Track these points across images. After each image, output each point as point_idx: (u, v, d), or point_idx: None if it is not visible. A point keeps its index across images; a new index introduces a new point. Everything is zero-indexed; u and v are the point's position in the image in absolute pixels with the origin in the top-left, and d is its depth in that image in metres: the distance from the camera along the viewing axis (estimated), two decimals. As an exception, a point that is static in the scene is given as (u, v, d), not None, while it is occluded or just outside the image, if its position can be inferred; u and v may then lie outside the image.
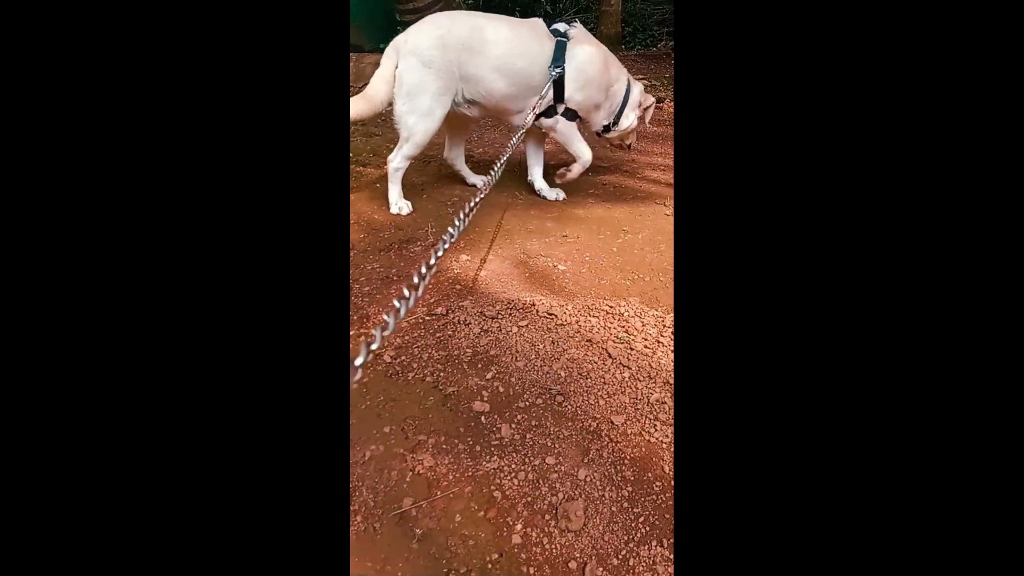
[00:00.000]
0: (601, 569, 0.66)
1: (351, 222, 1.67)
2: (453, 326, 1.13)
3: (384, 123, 2.68)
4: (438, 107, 1.58)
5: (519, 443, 0.84)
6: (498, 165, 1.18)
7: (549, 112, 1.67)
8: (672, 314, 1.16)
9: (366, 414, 0.89)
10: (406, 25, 3.97)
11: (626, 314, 1.17)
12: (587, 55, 1.63)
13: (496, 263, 1.41)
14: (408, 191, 1.77)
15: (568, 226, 1.63)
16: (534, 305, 1.20)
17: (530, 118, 1.58)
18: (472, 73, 1.58)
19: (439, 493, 0.75)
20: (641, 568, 0.66)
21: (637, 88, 1.82)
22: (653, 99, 1.87)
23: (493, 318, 1.16)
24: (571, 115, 1.71)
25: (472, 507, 0.73)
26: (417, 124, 1.59)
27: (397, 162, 1.66)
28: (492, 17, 1.66)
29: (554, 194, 1.83)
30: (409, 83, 1.56)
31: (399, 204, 1.70)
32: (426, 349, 1.05)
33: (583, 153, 1.78)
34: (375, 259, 1.43)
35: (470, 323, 1.14)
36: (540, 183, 1.84)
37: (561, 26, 1.66)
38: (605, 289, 1.28)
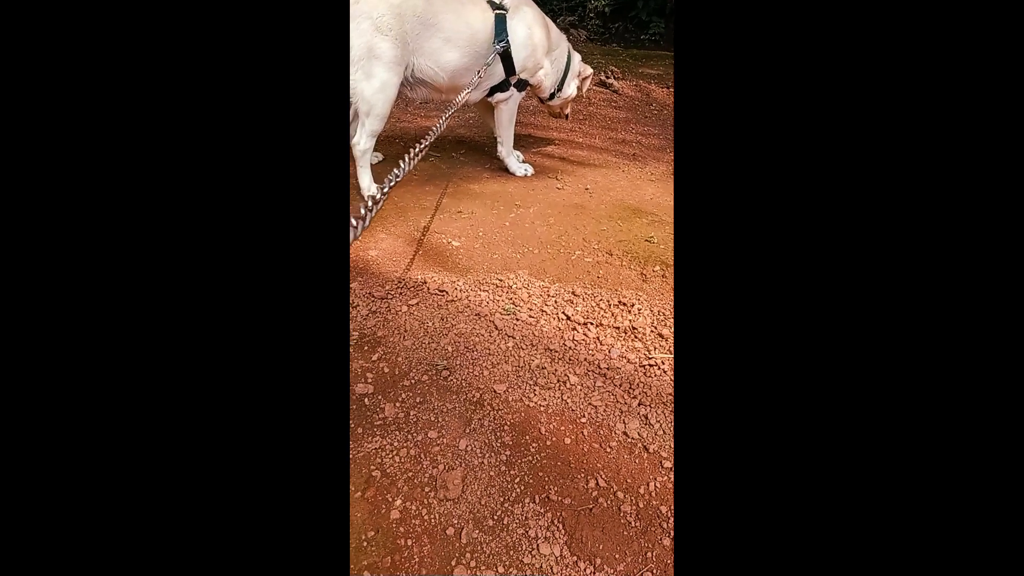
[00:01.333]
0: (477, 531, 0.69)
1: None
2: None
3: None
4: (395, 76, 1.46)
5: (402, 421, 0.84)
6: (425, 141, 1.12)
7: (503, 86, 1.68)
8: (556, 284, 1.22)
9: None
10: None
11: (514, 286, 1.20)
12: (528, 21, 1.65)
13: (388, 242, 1.38)
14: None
15: (463, 201, 1.62)
16: (425, 283, 1.20)
17: (475, 93, 1.62)
18: (424, 46, 1.51)
19: (317, 479, 0.74)
20: (515, 525, 0.70)
21: (577, 57, 1.89)
22: (591, 69, 1.96)
23: (382, 299, 1.14)
24: (522, 85, 1.73)
25: (349, 490, 0.73)
26: (376, 95, 1.45)
27: (364, 143, 1.50)
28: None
29: (522, 169, 1.86)
30: (363, 49, 1.41)
31: (371, 188, 1.55)
32: (308, 335, 1.02)
33: (507, 137, 1.81)
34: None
35: (357, 305, 1.11)
36: (510, 159, 1.85)
37: None
38: (496, 263, 1.31)
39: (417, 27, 1.47)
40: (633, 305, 1.15)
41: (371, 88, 1.44)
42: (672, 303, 1.17)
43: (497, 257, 1.33)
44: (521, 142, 2.22)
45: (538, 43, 1.69)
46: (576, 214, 1.59)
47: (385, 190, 0.80)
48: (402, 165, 0.87)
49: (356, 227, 0.66)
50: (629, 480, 0.77)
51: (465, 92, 1.44)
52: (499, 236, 1.43)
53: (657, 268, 1.31)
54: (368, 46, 1.41)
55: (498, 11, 1.60)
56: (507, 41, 1.58)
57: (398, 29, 1.44)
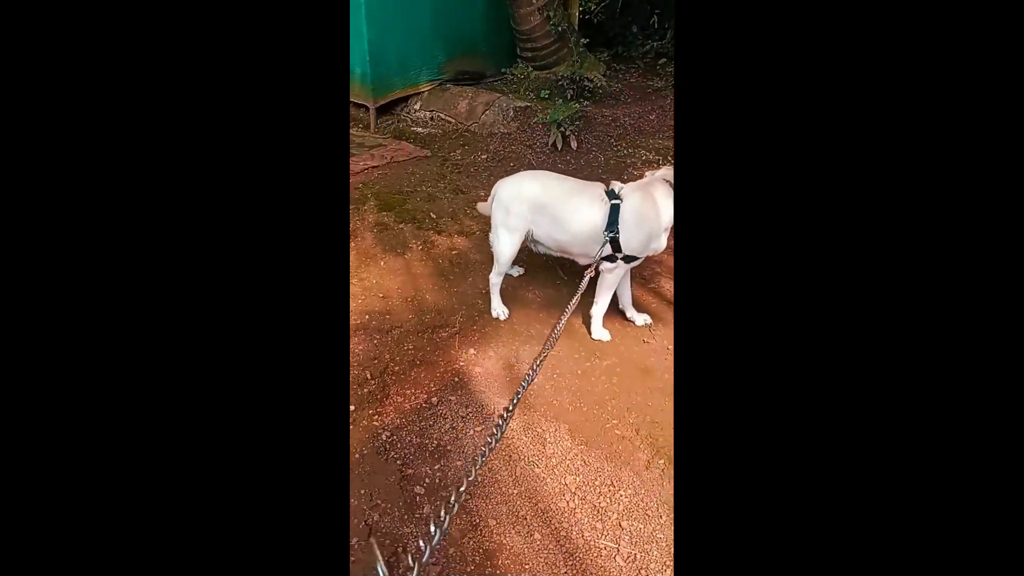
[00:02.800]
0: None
1: (410, 296, 2.34)
2: (435, 417, 1.75)
3: (447, 187, 3.27)
4: (514, 238, 2.12)
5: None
6: (560, 322, 1.65)
7: (611, 258, 2.03)
8: (574, 445, 1.66)
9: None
10: (524, 58, 4.76)
11: (547, 439, 1.69)
12: (634, 212, 1.96)
13: (491, 362, 1.98)
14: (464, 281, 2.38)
15: (562, 338, 2.12)
16: (494, 409, 1.77)
17: (588, 274, 1.92)
18: (539, 222, 2.08)
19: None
20: None
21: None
22: None
23: (463, 418, 1.76)
24: (630, 259, 2.05)
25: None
26: (500, 249, 2.14)
27: (493, 278, 2.22)
28: (562, 182, 2.09)
29: (600, 334, 2.15)
30: (495, 219, 2.13)
31: (498, 311, 2.23)
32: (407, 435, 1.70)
33: (602, 302, 2.12)
34: (410, 341, 2.08)
35: (448, 416, 1.75)
36: (630, 312, 2.24)
37: (616, 185, 2.02)
38: (544, 407, 1.80)
39: (533, 208, 2.05)
40: (619, 491, 1.53)
41: (499, 245, 2.14)
42: (660, 502, 1.51)
43: (553, 402, 1.82)
44: (645, 270, 2.55)
45: (638, 230, 1.97)
46: (639, 378, 1.95)
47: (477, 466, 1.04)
48: (490, 441, 1.17)
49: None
50: None
51: (578, 292, 1.80)
52: (564, 382, 1.91)
53: (661, 462, 1.63)
54: (498, 219, 2.11)
55: (614, 201, 1.95)
56: (617, 230, 1.95)
57: (516, 208, 2.07)
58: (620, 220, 1.95)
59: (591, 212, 1.98)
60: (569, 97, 4.25)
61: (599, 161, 3.76)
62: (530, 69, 4.74)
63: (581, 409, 1.81)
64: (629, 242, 1.97)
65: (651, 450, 1.66)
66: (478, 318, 2.22)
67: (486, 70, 4.90)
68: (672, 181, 2.01)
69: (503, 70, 4.85)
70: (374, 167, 3.58)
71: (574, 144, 3.85)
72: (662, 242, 2.04)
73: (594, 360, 2.02)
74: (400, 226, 2.88)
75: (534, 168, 3.56)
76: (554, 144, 3.82)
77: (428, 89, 4.52)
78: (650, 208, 1.98)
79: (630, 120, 4.17)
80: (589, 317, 2.16)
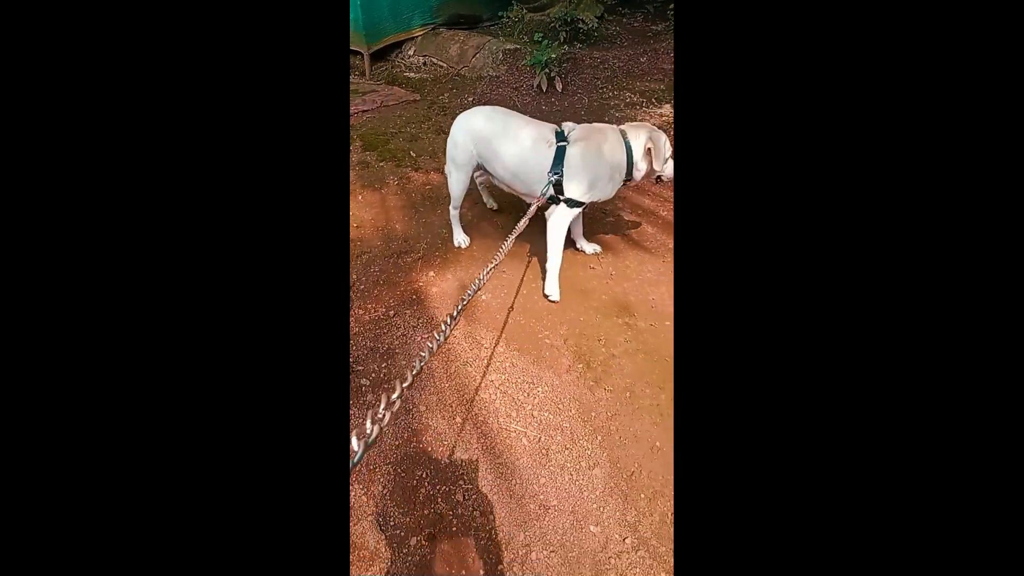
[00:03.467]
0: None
1: (382, 225, 2.53)
2: (389, 327, 1.97)
3: (430, 128, 3.37)
4: (462, 174, 2.22)
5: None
6: (506, 244, 1.45)
7: (555, 200, 2.02)
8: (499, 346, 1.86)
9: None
10: (519, 0, 4.08)
11: (483, 344, 1.89)
12: (578, 156, 1.96)
13: (447, 283, 2.18)
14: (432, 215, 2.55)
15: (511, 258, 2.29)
16: (443, 320, 1.98)
17: (531, 211, 1.77)
18: (484, 157, 2.15)
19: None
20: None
21: (638, 140, 2.00)
22: (645, 137, 1.98)
23: (414, 327, 1.97)
24: (573, 203, 2.02)
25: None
26: (450, 182, 2.26)
27: (451, 210, 2.35)
28: (512, 123, 2.08)
29: (591, 248, 2.31)
30: (447, 153, 2.23)
31: (459, 239, 2.38)
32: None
33: (553, 256, 2.07)
34: (377, 264, 2.29)
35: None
36: (580, 242, 2.33)
37: (568, 126, 2.03)
38: (487, 320, 2.00)
39: (480, 145, 2.12)
40: (536, 388, 1.74)
41: (449, 179, 2.26)
42: (562, 405, 1.71)
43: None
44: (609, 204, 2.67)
45: (583, 173, 1.96)
46: (578, 298, 2.11)
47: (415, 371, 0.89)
48: (432, 346, 1.04)
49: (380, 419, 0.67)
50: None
51: (524, 220, 1.62)
52: (509, 301, 2.09)
53: (580, 366, 1.82)
54: (449, 153, 2.21)
55: (560, 143, 1.97)
56: (561, 173, 1.95)
57: (463, 143, 2.14)
58: (564, 163, 1.95)
59: (535, 151, 2.00)
60: (562, 40, 4.22)
61: (583, 103, 3.79)
62: (525, 11, 4.69)
63: (519, 322, 2.00)
64: (570, 186, 1.98)
65: (574, 357, 1.85)
66: (441, 245, 2.40)
67: (482, 13, 4.86)
68: (626, 132, 2.01)
69: (499, 14, 4.81)
70: (364, 111, 3.71)
71: (559, 86, 3.88)
72: (607, 191, 2.04)
73: (539, 282, 2.19)
74: (381, 164, 3.05)
75: (517, 109, 3.64)
76: (539, 86, 3.86)
77: (421, 34, 4.55)
78: (594, 154, 1.97)
79: (620, 63, 4.13)
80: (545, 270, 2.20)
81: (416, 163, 3.06)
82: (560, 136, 2.01)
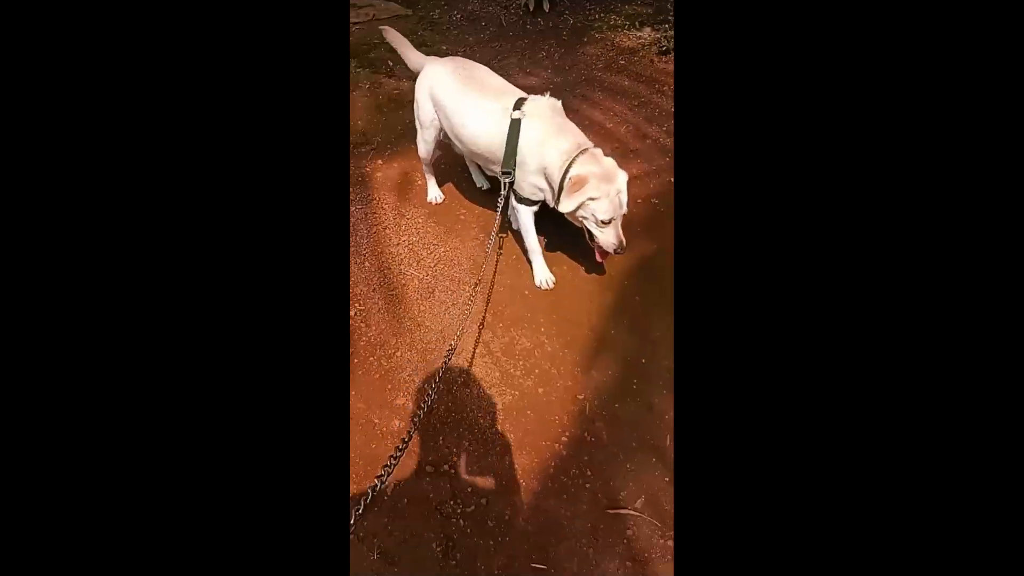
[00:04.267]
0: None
1: (351, 123, 2.82)
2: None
3: (414, 41, 3.52)
4: (425, 133, 1.98)
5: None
6: (491, 242, 1.59)
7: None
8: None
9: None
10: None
11: (406, 216, 2.21)
12: (527, 138, 1.62)
13: (393, 171, 2.48)
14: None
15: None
16: (384, 200, 2.30)
17: (501, 202, 1.66)
18: (442, 120, 1.87)
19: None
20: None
21: (579, 162, 1.56)
22: (584, 176, 1.52)
23: (361, 208, 2.30)
24: (521, 198, 1.72)
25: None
26: (418, 141, 2.03)
27: (424, 168, 2.18)
28: (469, 83, 1.76)
29: (543, 281, 1.83)
30: (415, 110, 1.96)
31: (432, 194, 2.22)
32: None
33: (528, 250, 1.81)
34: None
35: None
36: (535, 259, 1.85)
37: (534, 98, 1.69)
38: (422, 206, 2.30)
39: (438, 106, 1.86)
40: (440, 248, 2.05)
41: (417, 138, 2.03)
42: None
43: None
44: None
45: (524, 159, 1.64)
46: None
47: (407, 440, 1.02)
48: (423, 407, 1.27)
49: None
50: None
51: (497, 217, 1.64)
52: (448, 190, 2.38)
53: (482, 236, 2.11)
54: (416, 112, 1.97)
55: (516, 114, 1.63)
56: (514, 165, 1.65)
57: (425, 105, 1.91)
58: (520, 142, 1.63)
59: (487, 122, 1.69)
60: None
61: (567, 23, 3.86)
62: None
63: (444, 204, 2.30)
64: (518, 173, 1.66)
65: (481, 231, 2.15)
66: (394, 142, 2.68)
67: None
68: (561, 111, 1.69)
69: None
70: (355, 23, 3.93)
71: (546, 6, 3.95)
72: (546, 192, 1.67)
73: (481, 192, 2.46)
74: (358, 70, 3.30)
75: (503, 28, 3.77)
76: (526, 5, 3.94)
77: (423, -51, 4.61)
78: (538, 127, 1.62)
79: (611, -17, 4.13)
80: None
81: (391, 71, 3.30)
82: (518, 106, 1.65)
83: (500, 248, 1.99)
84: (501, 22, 3.93)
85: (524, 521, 1.32)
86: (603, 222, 1.57)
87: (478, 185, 2.28)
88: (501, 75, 1.88)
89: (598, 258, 1.73)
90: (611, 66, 3.29)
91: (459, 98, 1.76)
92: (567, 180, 1.55)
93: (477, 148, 1.77)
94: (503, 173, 1.68)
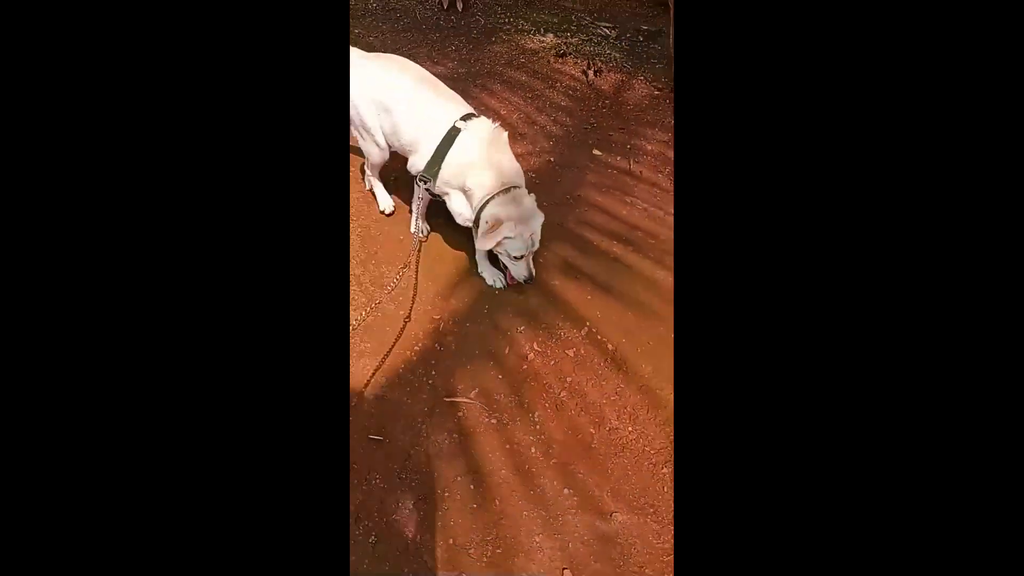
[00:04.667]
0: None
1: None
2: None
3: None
4: (378, 138, 1.84)
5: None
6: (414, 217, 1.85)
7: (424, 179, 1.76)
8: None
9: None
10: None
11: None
12: (456, 147, 1.66)
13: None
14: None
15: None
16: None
17: (420, 191, 1.76)
18: (389, 129, 1.80)
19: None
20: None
21: (477, 191, 1.64)
22: (501, 219, 1.60)
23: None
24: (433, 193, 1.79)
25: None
26: (368, 151, 1.92)
27: (369, 174, 2.10)
28: (428, 87, 1.75)
29: (492, 280, 1.91)
30: (353, 118, 1.83)
31: (384, 203, 2.11)
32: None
33: (478, 249, 1.83)
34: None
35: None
36: (482, 263, 1.92)
37: (480, 119, 1.71)
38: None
39: (384, 114, 1.79)
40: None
41: (366, 149, 1.94)
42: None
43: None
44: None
45: (464, 168, 1.64)
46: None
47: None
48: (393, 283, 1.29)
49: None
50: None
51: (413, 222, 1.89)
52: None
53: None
54: (354, 114, 1.84)
55: (458, 123, 1.66)
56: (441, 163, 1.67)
57: (363, 106, 1.81)
58: (449, 154, 1.67)
59: (429, 118, 1.72)
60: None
61: (478, 24, 4.20)
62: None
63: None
64: (442, 173, 1.70)
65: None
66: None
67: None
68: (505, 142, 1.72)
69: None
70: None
71: (460, 5, 4.27)
72: (463, 210, 1.72)
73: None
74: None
75: (417, 21, 4.02)
76: (441, 3, 4.24)
77: (348, -56, 4.80)
78: (468, 161, 1.66)
79: (523, -9, 4.53)
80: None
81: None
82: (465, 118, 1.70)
83: (420, 250, 1.99)
84: (416, 16, 4.19)
85: (368, 406, 1.54)
86: (515, 257, 1.69)
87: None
88: (409, 57, 1.94)
89: (508, 281, 1.87)
90: (512, 63, 3.64)
91: (411, 96, 1.74)
92: (483, 219, 1.64)
93: (406, 137, 1.76)
94: (421, 178, 1.73)
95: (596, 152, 2.82)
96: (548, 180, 2.51)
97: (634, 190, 2.53)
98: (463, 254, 2.03)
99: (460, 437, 1.50)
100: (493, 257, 1.87)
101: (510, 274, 1.81)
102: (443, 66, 3.47)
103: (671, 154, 2.79)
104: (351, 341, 1.69)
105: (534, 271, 1.77)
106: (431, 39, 3.81)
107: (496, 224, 1.61)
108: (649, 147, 2.86)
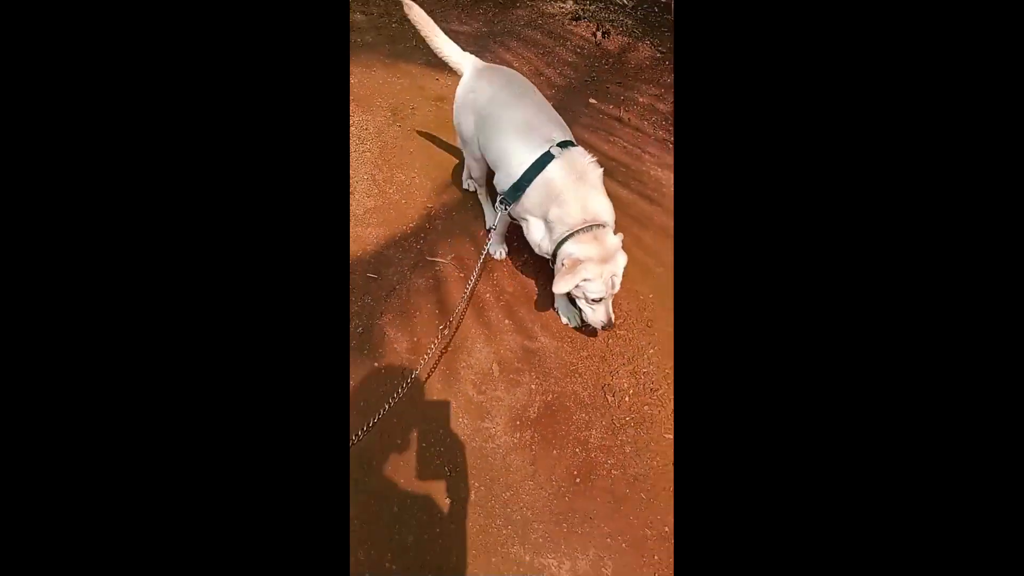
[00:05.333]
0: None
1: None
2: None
3: None
4: (472, 149, 1.84)
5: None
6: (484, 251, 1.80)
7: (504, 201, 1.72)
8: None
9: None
10: None
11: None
12: (546, 175, 1.56)
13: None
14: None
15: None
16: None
17: (499, 210, 1.73)
18: (483, 141, 1.75)
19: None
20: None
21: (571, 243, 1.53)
22: (579, 259, 1.50)
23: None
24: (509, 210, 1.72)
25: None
26: (469, 164, 1.99)
27: (469, 185, 2.23)
28: (520, 104, 1.69)
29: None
30: (455, 120, 1.84)
31: (494, 249, 1.99)
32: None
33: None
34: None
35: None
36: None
37: (577, 148, 1.63)
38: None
39: (484, 130, 1.74)
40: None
41: (468, 161, 2.00)
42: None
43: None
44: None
45: (549, 197, 1.55)
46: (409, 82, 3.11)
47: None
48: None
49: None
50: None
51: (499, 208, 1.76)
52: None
53: (391, 115, 2.84)
54: (455, 120, 1.87)
55: (553, 149, 1.56)
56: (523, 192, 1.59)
57: (464, 116, 1.82)
58: (544, 171, 1.56)
59: (525, 152, 1.61)
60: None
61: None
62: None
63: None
64: (524, 200, 1.61)
65: (390, 110, 2.88)
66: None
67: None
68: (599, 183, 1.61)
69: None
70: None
71: (491, -25, 4.68)
72: (542, 242, 1.64)
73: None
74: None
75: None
76: (474, -28, 4.66)
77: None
78: (555, 177, 1.56)
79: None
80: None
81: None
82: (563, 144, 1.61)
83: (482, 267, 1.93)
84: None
85: (369, 257, 2.07)
86: (594, 300, 1.56)
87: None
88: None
89: (583, 322, 1.75)
90: (530, 24, 4.06)
91: (509, 111, 1.69)
92: (560, 258, 1.54)
93: (494, 153, 1.71)
94: (502, 199, 1.68)
95: (592, 100, 3.22)
96: (539, 115, 2.94)
97: (619, 132, 2.94)
98: (455, 159, 2.50)
99: (435, 283, 2.00)
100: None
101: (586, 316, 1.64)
102: (469, 26, 3.93)
103: (660, 106, 3.16)
104: (363, 217, 2.22)
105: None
106: (463, 3, 4.26)
107: (574, 264, 1.50)
108: (641, 100, 3.24)
